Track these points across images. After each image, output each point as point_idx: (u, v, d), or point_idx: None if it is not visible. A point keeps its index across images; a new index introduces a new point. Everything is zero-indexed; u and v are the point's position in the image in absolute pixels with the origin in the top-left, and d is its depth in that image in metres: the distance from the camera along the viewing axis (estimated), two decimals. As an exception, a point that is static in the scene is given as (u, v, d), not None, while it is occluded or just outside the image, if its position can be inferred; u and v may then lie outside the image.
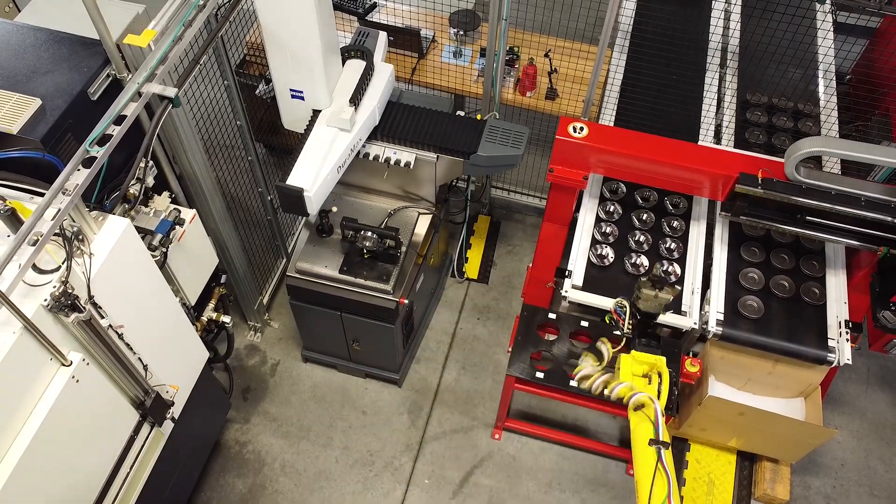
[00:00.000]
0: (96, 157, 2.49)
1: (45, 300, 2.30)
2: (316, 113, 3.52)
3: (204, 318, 3.78)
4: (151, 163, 3.16)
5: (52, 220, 2.35)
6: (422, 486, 4.23)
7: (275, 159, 5.11)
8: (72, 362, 2.47)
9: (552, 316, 3.93)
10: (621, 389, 2.84)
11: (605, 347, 3.17)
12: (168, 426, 3.24)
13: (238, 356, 4.69)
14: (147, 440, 3.08)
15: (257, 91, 4.56)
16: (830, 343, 3.71)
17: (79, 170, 2.45)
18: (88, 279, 2.46)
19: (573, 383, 3.54)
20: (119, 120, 2.60)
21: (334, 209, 3.92)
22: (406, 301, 3.87)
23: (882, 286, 3.53)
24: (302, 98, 3.50)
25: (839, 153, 3.34)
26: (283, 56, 3.33)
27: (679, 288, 3.82)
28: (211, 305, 3.82)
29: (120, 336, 2.69)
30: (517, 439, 4.41)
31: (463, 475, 4.27)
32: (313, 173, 3.31)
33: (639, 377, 2.93)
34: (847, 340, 3.72)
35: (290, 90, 3.48)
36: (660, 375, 2.86)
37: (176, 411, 3.21)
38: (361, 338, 4.20)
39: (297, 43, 3.23)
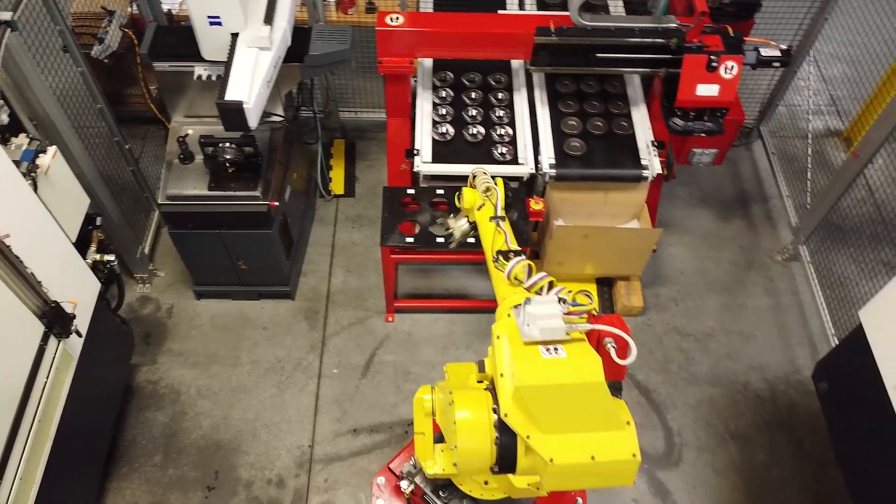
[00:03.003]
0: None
1: (-71, 199, 2.51)
2: (234, 36, 3.74)
3: (88, 261, 3.96)
4: (2, 102, 3.33)
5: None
6: (332, 376, 4.61)
7: (127, 129, 5.26)
8: (-33, 262, 2.67)
9: (411, 191, 4.40)
10: (466, 198, 3.30)
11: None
12: (76, 344, 3.45)
13: (131, 308, 4.86)
14: (56, 354, 3.28)
15: (92, 52, 4.71)
16: (643, 162, 4.41)
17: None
18: (-35, 187, 2.66)
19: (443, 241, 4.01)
20: (-40, 45, 2.81)
21: (189, 132, 4.19)
22: (276, 204, 4.21)
23: (668, 100, 4.22)
24: (220, 23, 3.72)
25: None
26: None
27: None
28: (93, 248, 4.00)
29: (7, 247, 2.90)
30: (409, 317, 4.87)
31: (367, 358, 4.68)
32: (247, 87, 3.57)
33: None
34: (655, 157, 4.42)
35: (209, 17, 3.69)
36: (496, 186, 3.36)
37: (81, 325, 3.42)
38: (244, 254, 4.49)
39: None
